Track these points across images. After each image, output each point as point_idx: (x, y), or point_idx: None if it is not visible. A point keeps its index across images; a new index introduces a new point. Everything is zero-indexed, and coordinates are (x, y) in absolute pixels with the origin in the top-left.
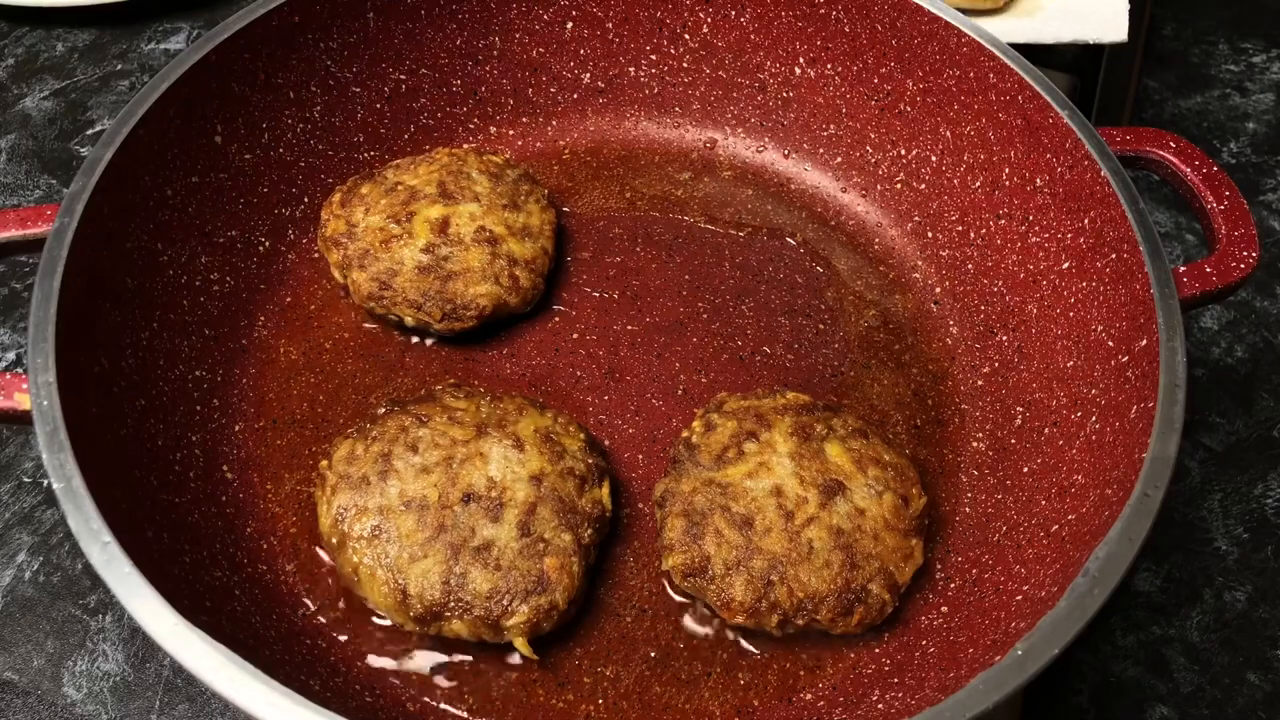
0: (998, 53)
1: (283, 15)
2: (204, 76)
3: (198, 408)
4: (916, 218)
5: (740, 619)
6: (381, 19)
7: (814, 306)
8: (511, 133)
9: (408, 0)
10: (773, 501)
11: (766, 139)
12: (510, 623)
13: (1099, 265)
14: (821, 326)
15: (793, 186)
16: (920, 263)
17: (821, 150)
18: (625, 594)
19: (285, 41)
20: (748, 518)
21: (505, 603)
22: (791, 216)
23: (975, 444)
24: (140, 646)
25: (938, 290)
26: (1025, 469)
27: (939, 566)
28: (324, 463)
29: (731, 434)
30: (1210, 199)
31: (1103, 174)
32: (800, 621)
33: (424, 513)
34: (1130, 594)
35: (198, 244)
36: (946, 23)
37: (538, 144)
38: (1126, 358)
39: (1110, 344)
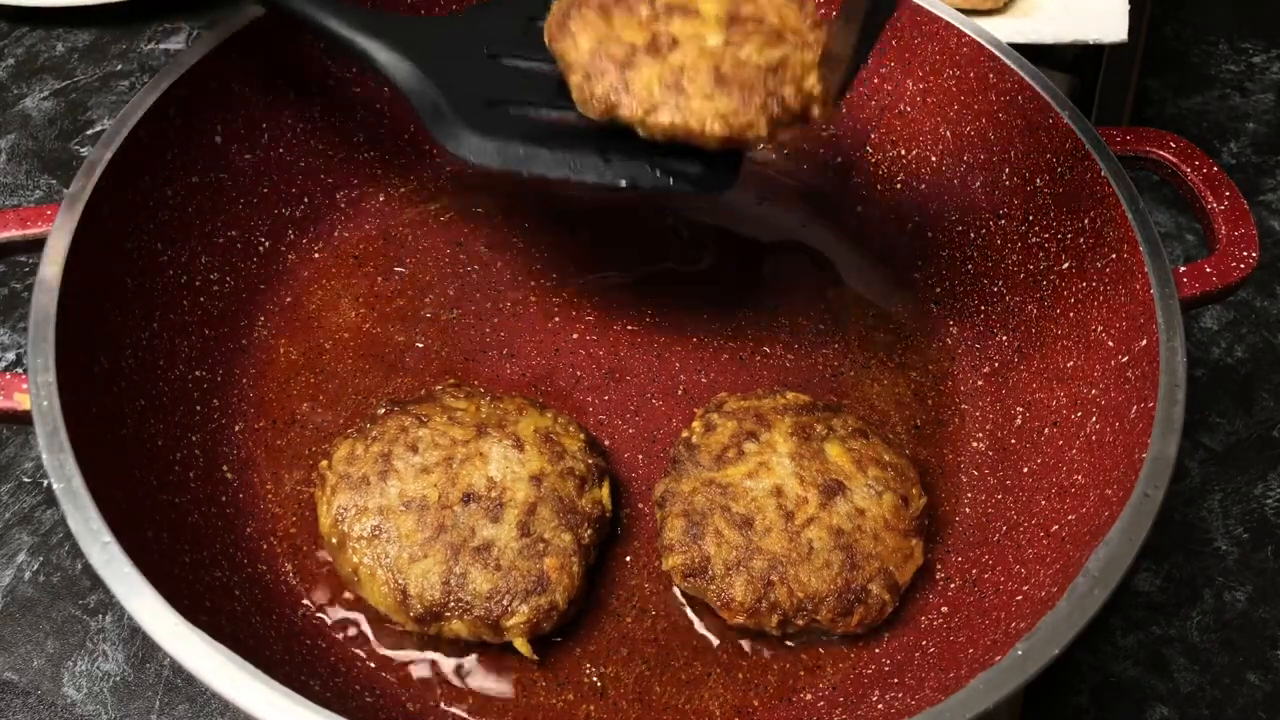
0: (998, 53)
1: (284, 14)
2: (204, 76)
3: (198, 408)
4: (916, 218)
5: (740, 619)
6: None
7: (814, 307)
8: None
9: (407, 3)
10: (773, 501)
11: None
12: (510, 623)
13: (1099, 265)
14: (822, 327)
15: (793, 190)
16: (920, 262)
17: (820, 151)
18: (625, 594)
19: (284, 42)
20: (748, 518)
21: (505, 603)
22: (791, 218)
23: (975, 444)
24: (140, 646)
25: (938, 290)
26: (1025, 469)
27: (939, 567)
28: (324, 463)
29: (731, 434)
30: (1210, 199)
31: (1103, 174)
32: (800, 622)
33: (424, 513)
34: (1130, 594)
35: (198, 244)
36: (946, 23)
37: None
38: (1126, 358)
39: (1110, 344)
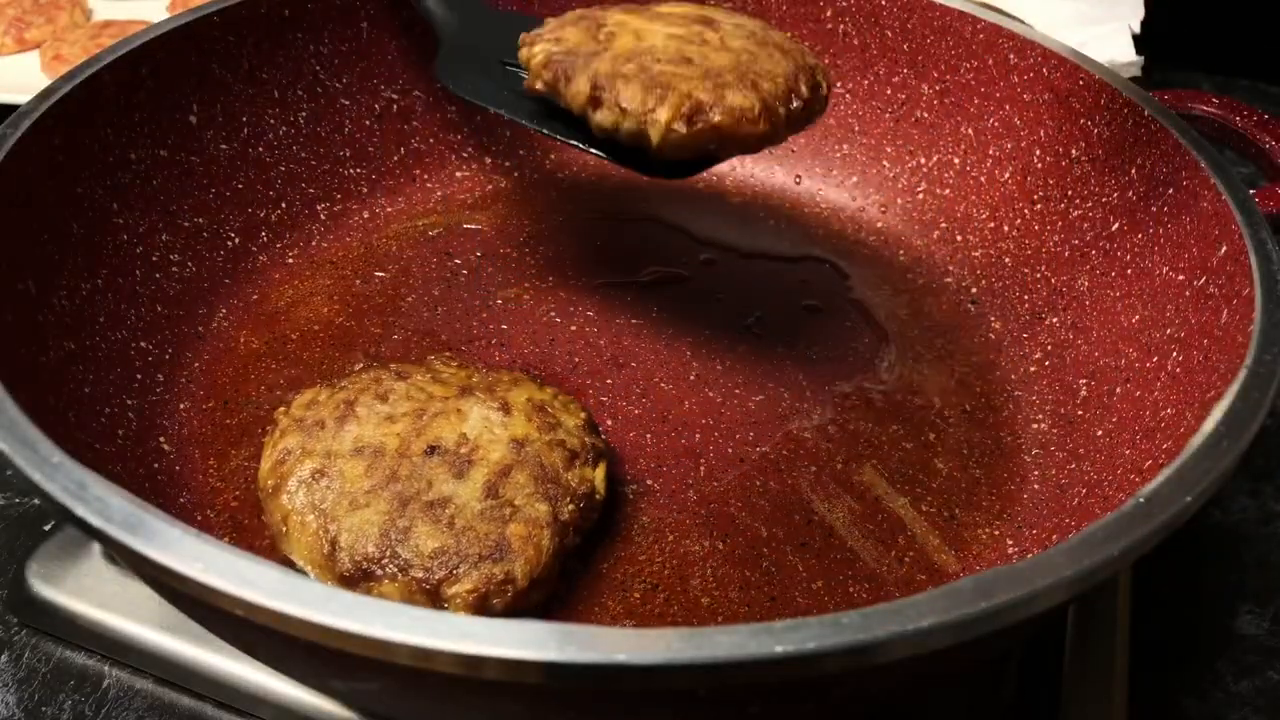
0: (1016, 30)
1: (272, 4)
2: (183, 47)
3: (138, 376)
4: (943, 224)
5: (761, 124)
6: (375, 31)
7: (838, 306)
8: (508, 164)
9: (403, 15)
10: (686, 35)
11: (775, 166)
12: (453, 590)
13: (1154, 209)
14: (848, 323)
15: (806, 210)
16: (951, 267)
17: (835, 171)
18: (612, 595)
19: (273, 34)
20: (683, 55)
21: (451, 566)
22: (807, 235)
23: (1036, 425)
24: (36, 688)
25: (973, 290)
26: (1099, 432)
27: (1010, 543)
28: (280, 409)
29: (585, 28)
30: (1266, 139)
31: (1146, 113)
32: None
33: (377, 459)
34: (1236, 638)
35: (159, 219)
36: (960, 12)
37: (535, 175)
38: (1204, 278)
39: (1181, 278)
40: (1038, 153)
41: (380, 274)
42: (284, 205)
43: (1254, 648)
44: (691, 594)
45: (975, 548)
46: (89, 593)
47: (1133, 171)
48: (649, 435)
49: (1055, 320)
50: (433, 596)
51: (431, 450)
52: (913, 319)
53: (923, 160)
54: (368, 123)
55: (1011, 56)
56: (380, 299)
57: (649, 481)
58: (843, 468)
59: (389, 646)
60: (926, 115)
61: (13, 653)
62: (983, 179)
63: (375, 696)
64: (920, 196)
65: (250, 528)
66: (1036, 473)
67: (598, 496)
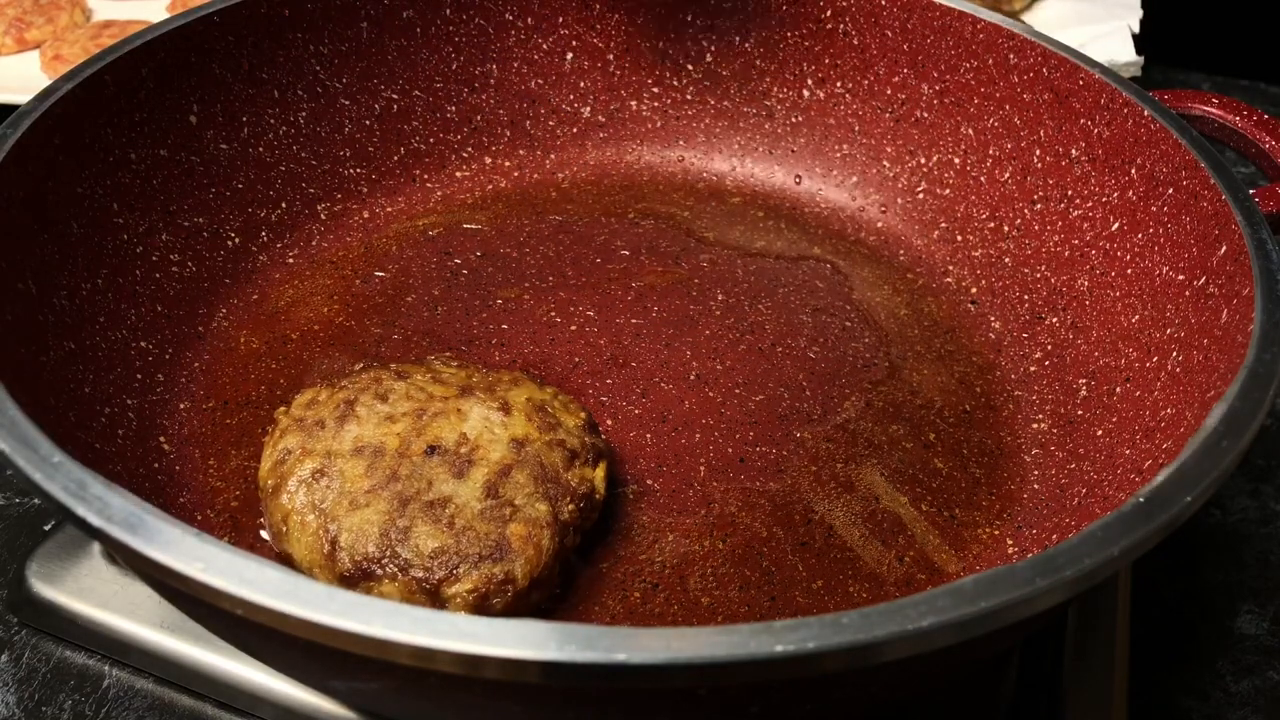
0: (1016, 30)
1: (272, 4)
2: (183, 47)
3: (138, 376)
4: (943, 224)
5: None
6: (375, 31)
7: (838, 306)
8: (508, 164)
9: (403, 15)
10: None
11: (775, 166)
12: (453, 590)
13: (1154, 209)
14: (849, 324)
15: (806, 209)
16: (951, 267)
17: (835, 171)
18: (611, 596)
19: (273, 34)
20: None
21: (451, 565)
22: (807, 235)
23: (1036, 425)
24: (37, 688)
25: (973, 290)
26: (1099, 432)
27: (1010, 543)
28: (281, 409)
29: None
30: (1267, 139)
31: (1146, 113)
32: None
33: (377, 459)
34: (1236, 637)
35: (159, 219)
36: (960, 12)
37: (535, 175)
38: (1204, 279)
39: (1181, 278)
40: (1037, 152)
41: (380, 274)
42: (284, 205)
43: (1254, 648)
44: (691, 594)
45: (975, 548)
46: (89, 593)
47: (1133, 171)
48: (649, 435)
49: (1055, 320)
50: (433, 596)
51: (431, 450)
52: (913, 319)
53: (922, 160)
54: (367, 122)
55: (1011, 56)
56: (380, 299)
57: (649, 481)
58: (843, 468)
59: (389, 646)
60: (926, 116)
61: (13, 653)
62: (983, 179)
63: (375, 696)
64: (920, 196)
65: (250, 528)
66: (1036, 473)
67: (598, 496)
